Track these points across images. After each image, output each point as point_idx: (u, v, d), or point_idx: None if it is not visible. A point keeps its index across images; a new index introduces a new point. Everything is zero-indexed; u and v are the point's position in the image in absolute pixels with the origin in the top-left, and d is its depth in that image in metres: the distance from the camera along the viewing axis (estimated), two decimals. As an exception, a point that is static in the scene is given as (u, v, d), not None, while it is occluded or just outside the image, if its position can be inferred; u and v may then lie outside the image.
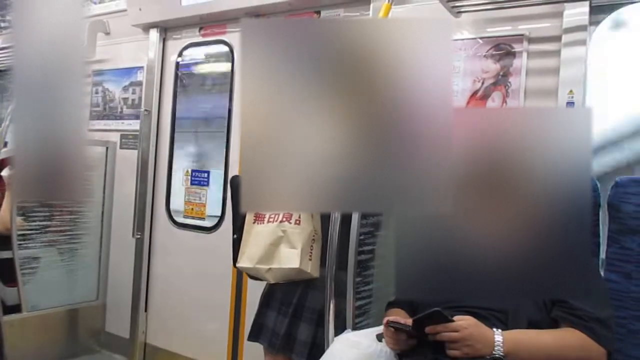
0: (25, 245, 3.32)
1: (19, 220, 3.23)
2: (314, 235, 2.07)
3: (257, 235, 2.13)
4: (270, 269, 2.08)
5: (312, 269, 2.05)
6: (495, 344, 1.38)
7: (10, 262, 3.23)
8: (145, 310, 3.59)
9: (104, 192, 3.77)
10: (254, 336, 2.22)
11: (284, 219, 2.09)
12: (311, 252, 2.06)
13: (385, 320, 1.57)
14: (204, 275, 3.32)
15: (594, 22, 2.07)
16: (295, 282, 2.10)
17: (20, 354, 3.27)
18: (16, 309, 3.27)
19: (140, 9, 3.48)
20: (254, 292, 2.79)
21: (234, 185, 2.58)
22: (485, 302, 1.52)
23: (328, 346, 1.83)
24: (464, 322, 1.41)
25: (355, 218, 1.91)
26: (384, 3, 1.94)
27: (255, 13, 3.09)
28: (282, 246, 2.07)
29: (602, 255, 1.74)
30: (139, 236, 3.52)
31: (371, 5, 2.63)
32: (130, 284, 3.60)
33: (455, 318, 1.41)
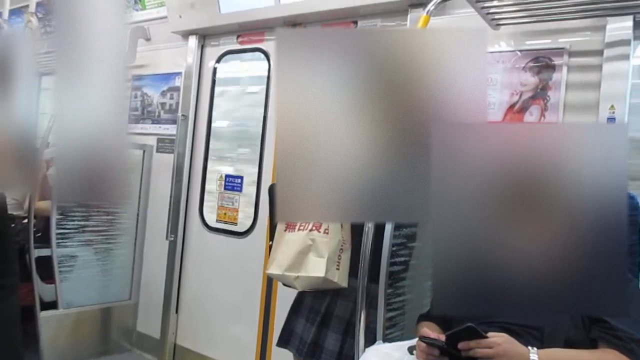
0: (63, 243, 3.41)
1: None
2: (342, 245, 2.07)
3: (287, 243, 2.15)
4: (298, 276, 2.09)
5: (339, 278, 2.05)
6: None
7: (48, 259, 3.32)
8: (176, 312, 3.64)
9: (139, 195, 3.85)
10: (282, 342, 2.23)
11: (314, 228, 2.10)
12: (339, 262, 2.06)
13: (418, 334, 1.55)
14: (235, 280, 3.35)
15: (638, 37, 2.02)
16: (324, 291, 2.10)
17: (55, 350, 3.35)
18: (52, 305, 3.36)
19: (180, 17, 3.55)
20: (283, 297, 2.80)
21: (271, 194, 2.60)
22: (521, 319, 1.48)
23: (358, 357, 1.82)
24: (499, 339, 1.38)
25: (388, 229, 1.90)
26: (422, 14, 1.94)
27: (293, 22, 3.11)
28: (310, 255, 2.08)
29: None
30: (172, 238, 3.58)
31: (408, 16, 2.62)
32: (162, 285, 3.66)
33: (489, 334, 1.39)
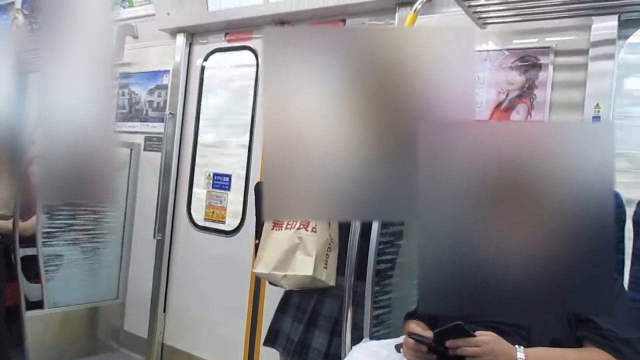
0: (49, 242, 3.38)
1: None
2: (330, 244, 2.07)
3: (274, 242, 2.14)
4: (285, 275, 2.09)
5: (327, 277, 2.05)
6: None
7: (34, 259, 3.29)
8: (164, 311, 3.62)
9: (127, 193, 3.82)
10: (269, 341, 2.23)
11: (301, 227, 2.10)
12: (326, 260, 2.06)
13: (406, 332, 1.55)
14: (223, 278, 3.34)
15: (623, 36, 2.04)
16: (312, 289, 2.10)
17: (41, 349, 3.32)
18: (39, 305, 3.33)
19: (168, 14, 3.54)
20: (271, 296, 2.79)
21: (258, 192, 2.59)
22: (508, 318, 1.49)
23: (344, 355, 1.82)
24: (486, 337, 1.38)
25: (375, 227, 1.90)
26: (410, 13, 1.94)
27: (280, 20, 3.11)
28: (297, 253, 2.07)
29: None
30: (159, 237, 3.56)
31: (396, 15, 2.62)
32: (150, 285, 3.64)
33: (477, 333, 1.39)
